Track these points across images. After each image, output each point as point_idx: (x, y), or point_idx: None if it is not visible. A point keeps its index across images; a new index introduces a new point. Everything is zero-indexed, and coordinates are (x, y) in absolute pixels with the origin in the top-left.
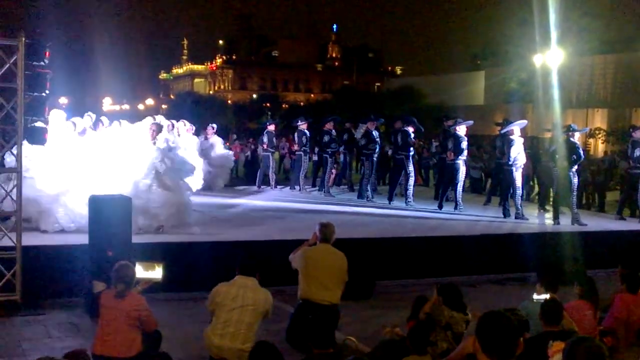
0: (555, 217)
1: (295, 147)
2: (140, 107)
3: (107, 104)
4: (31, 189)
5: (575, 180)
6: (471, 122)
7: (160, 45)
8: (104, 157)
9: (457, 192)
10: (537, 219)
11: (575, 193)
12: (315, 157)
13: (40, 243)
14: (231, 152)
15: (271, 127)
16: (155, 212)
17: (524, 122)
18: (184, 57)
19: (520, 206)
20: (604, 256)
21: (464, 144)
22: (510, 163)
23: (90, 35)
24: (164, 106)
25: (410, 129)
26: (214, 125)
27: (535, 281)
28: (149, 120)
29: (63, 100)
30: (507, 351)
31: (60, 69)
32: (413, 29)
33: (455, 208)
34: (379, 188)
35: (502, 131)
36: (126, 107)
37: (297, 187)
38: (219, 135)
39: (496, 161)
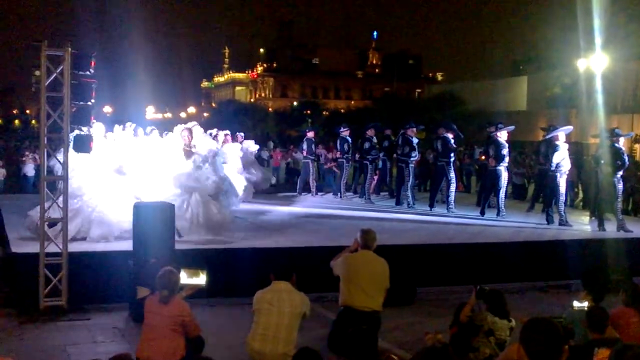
0: (601, 224)
1: (337, 154)
2: (183, 115)
3: (150, 112)
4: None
5: (620, 186)
6: (512, 127)
7: (202, 54)
8: (144, 167)
9: (500, 198)
10: (585, 226)
11: (620, 199)
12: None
13: (85, 250)
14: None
15: (310, 134)
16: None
17: (570, 127)
18: (226, 66)
19: (564, 212)
20: None
21: (505, 150)
22: (553, 169)
23: (134, 44)
24: (205, 114)
25: (450, 135)
26: (242, 134)
27: (578, 289)
28: (179, 127)
29: (107, 109)
30: (552, 358)
31: (104, 78)
32: (453, 35)
33: (498, 214)
34: (419, 195)
35: (547, 136)
36: (168, 115)
37: (338, 194)
38: (257, 143)
39: (539, 167)
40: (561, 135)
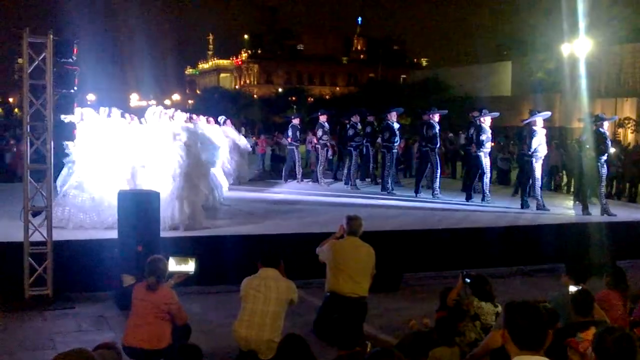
0: (585, 208)
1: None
2: (167, 102)
3: (134, 100)
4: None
5: (604, 170)
6: (497, 113)
7: (186, 41)
8: (131, 153)
9: (485, 183)
10: (570, 210)
11: (604, 183)
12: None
13: (70, 238)
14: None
15: (296, 121)
16: (173, 212)
17: (548, 113)
18: (210, 52)
19: (541, 197)
20: (633, 246)
21: (485, 136)
22: (530, 153)
23: (117, 31)
24: (190, 101)
25: (436, 118)
26: (222, 118)
27: (563, 272)
28: (154, 108)
29: (91, 96)
30: (537, 342)
31: (88, 65)
32: (437, 20)
33: (483, 199)
34: (405, 181)
35: (525, 122)
36: (153, 102)
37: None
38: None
39: (520, 152)
40: (539, 120)
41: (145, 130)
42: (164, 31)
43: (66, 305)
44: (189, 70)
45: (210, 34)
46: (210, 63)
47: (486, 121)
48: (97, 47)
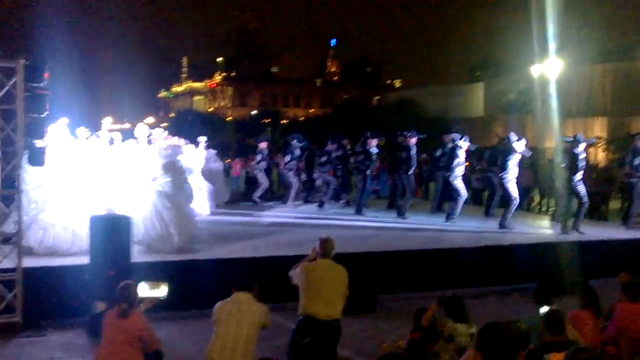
0: (563, 228)
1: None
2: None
3: (108, 123)
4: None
5: (580, 188)
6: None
7: (160, 64)
8: (107, 176)
9: (453, 204)
10: (544, 230)
11: (584, 201)
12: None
13: (41, 264)
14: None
15: (262, 145)
16: (170, 231)
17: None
18: (184, 75)
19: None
20: (605, 265)
21: (457, 161)
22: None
23: (91, 55)
24: (164, 124)
25: (413, 140)
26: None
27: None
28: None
29: (64, 120)
30: None
31: (61, 89)
32: (411, 42)
33: (446, 219)
34: (377, 202)
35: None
36: (127, 125)
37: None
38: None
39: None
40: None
41: (129, 150)
42: (137, 54)
43: (36, 332)
44: (163, 93)
45: (185, 57)
46: (184, 86)
47: (464, 146)
48: (69, 70)
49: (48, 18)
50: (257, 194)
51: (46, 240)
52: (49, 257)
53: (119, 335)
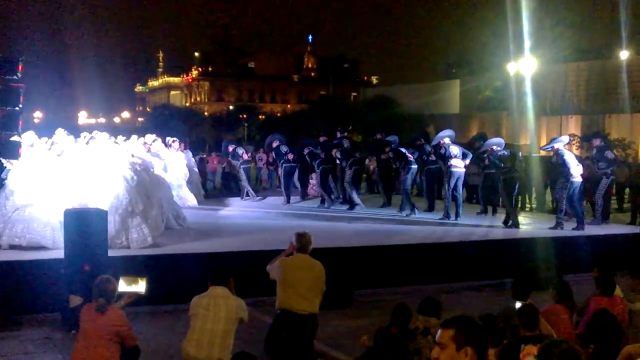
0: (557, 224)
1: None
2: (117, 120)
3: (83, 117)
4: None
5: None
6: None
7: (135, 58)
8: (80, 172)
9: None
10: (527, 225)
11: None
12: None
13: (14, 258)
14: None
15: (231, 148)
16: (144, 223)
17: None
18: (160, 70)
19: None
20: (579, 261)
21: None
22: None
23: (66, 49)
24: (140, 119)
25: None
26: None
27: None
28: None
29: (38, 114)
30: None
31: (35, 83)
32: (389, 39)
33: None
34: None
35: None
36: (102, 120)
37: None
38: (193, 148)
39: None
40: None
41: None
42: (113, 48)
43: (11, 327)
44: (139, 88)
45: (160, 51)
46: (160, 80)
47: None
48: (44, 64)
49: (23, 11)
50: (245, 194)
51: (26, 235)
52: (24, 251)
53: (96, 331)
